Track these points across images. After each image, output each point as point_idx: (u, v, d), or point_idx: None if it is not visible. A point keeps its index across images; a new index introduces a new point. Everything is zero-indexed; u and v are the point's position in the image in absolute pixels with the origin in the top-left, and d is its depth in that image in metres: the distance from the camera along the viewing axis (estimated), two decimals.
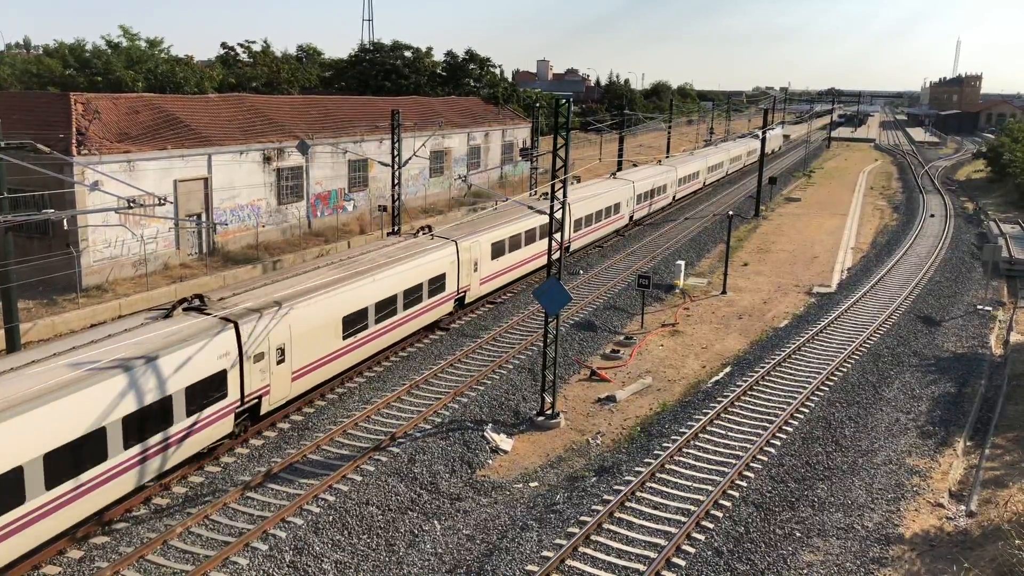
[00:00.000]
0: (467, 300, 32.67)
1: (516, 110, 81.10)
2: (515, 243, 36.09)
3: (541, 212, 37.97)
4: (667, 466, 21.07)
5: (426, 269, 28.67)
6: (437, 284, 29.47)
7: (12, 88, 67.46)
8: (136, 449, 17.44)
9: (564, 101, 24.20)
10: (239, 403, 20.52)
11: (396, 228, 41.09)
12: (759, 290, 40.76)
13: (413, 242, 30.21)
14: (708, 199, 68.56)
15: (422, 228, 32.58)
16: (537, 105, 70.45)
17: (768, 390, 26.34)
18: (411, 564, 17.25)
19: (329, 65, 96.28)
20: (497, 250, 34.31)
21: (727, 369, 29.37)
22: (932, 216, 63.11)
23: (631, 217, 52.38)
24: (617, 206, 49.05)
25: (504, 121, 72.59)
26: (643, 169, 58.76)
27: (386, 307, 26.45)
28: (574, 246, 43.03)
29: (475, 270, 32.40)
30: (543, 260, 37.33)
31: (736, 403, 25.15)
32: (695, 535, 18.08)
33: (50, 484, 15.56)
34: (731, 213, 43.23)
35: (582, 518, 18.51)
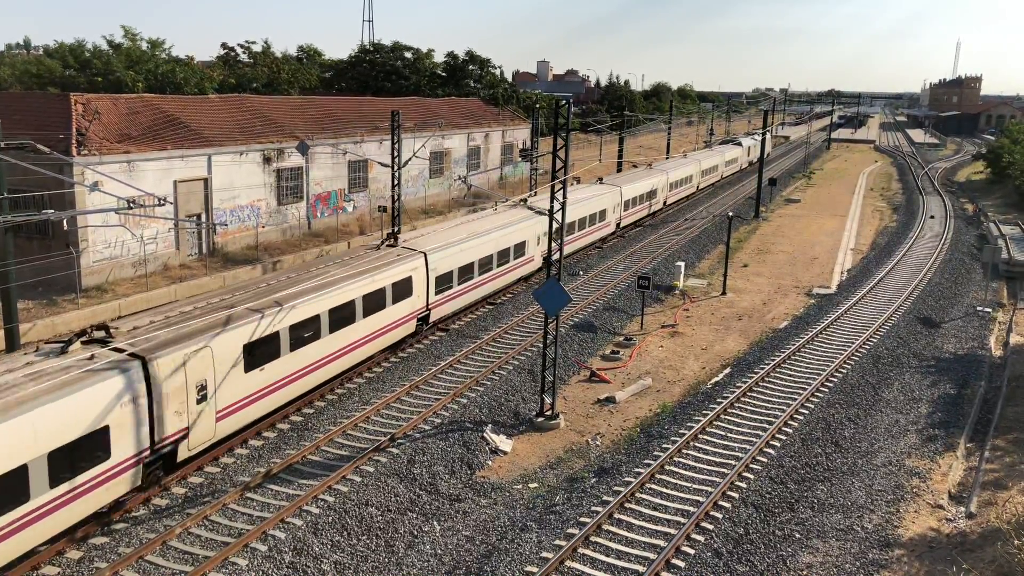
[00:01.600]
0: (185, 456, 19.00)
1: (516, 111, 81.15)
2: (312, 329, 22.75)
3: (396, 260, 27.18)
4: (667, 467, 21.07)
5: (59, 431, 15.62)
6: (89, 456, 16.39)
7: (12, 88, 67.50)
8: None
9: (564, 102, 24.21)
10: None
11: (397, 228, 41.05)
12: (759, 291, 40.77)
13: (50, 366, 16.72)
14: (709, 199, 68.52)
15: (86, 334, 18.16)
16: (537, 106, 70.59)
17: (768, 391, 26.34)
18: (410, 565, 17.25)
19: (329, 66, 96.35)
20: (262, 353, 20.87)
21: (727, 370, 29.37)
22: (932, 217, 63.14)
23: (546, 259, 39.49)
24: (522, 246, 36.14)
25: (504, 122, 72.61)
26: (574, 191, 44.06)
27: None
28: (437, 313, 30.09)
29: (202, 400, 18.99)
30: (402, 330, 27.78)
31: (736, 404, 25.15)
32: (694, 536, 18.08)
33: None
34: (731, 214, 43.24)
35: (581, 519, 18.51)
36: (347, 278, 24.76)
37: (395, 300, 26.99)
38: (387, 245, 29.23)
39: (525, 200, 39.31)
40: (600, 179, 50.65)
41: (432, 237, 30.76)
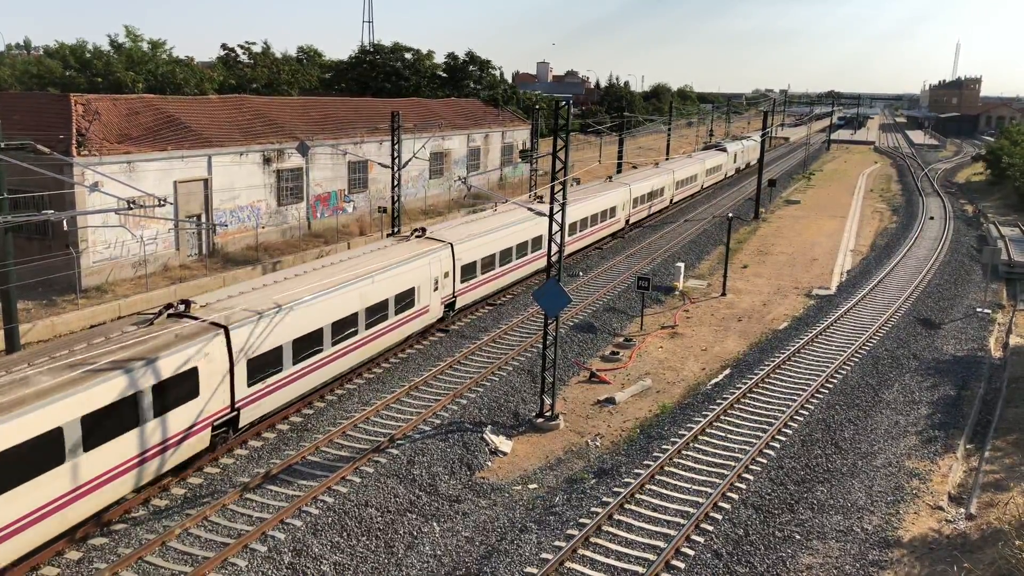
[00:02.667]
0: None
1: (516, 112, 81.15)
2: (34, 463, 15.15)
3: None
4: (666, 468, 21.07)
5: None
6: None
7: (12, 89, 67.54)
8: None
9: (563, 103, 24.20)
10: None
11: (396, 229, 41.09)
12: (759, 292, 40.77)
13: None
14: (708, 200, 68.51)
15: None
16: (537, 107, 70.51)
17: (767, 392, 26.34)
18: (410, 566, 17.25)
19: (329, 66, 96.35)
20: None
21: (726, 371, 29.37)
22: (931, 218, 63.17)
23: (451, 305, 31.14)
24: (410, 294, 27.61)
25: (504, 123, 72.63)
26: (497, 215, 35.13)
27: None
28: (253, 412, 21.19)
29: None
30: (183, 450, 18.96)
31: (735, 405, 25.15)
32: (694, 537, 18.07)
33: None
34: (731, 215, 43.27)
35: (581, 520, 18.51)
36: (61, 388, 15.77)
37: (167, 407, 18.12)
38: (169, 316, 19.79)
39: (423, 231, 31.14)
40: (539, 197, 40.24)
41: (249, 298, 21.49)
